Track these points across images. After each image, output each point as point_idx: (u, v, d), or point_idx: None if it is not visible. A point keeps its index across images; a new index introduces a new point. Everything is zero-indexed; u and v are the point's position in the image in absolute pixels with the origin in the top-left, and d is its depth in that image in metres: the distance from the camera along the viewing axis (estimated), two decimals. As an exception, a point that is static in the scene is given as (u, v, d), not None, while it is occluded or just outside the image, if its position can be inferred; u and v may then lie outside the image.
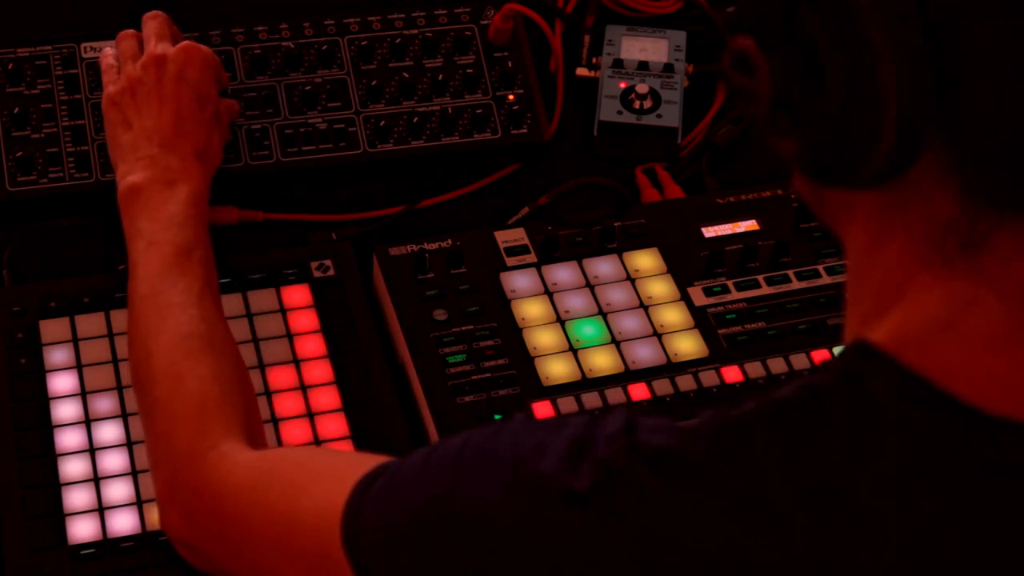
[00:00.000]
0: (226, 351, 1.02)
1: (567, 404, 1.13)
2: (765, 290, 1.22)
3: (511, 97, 1.33)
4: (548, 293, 1.20)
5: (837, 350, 0.72)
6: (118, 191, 1.11)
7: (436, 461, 0.75)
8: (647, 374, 1.15)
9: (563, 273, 1.21)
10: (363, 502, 0.77)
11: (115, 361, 1.13)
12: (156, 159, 1.11)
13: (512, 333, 1.17)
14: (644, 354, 1.16)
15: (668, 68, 1.39)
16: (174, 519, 0.95)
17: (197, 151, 1.13)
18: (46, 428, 1.08)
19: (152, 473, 0.98)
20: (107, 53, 1.22)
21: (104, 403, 1.10)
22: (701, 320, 1.19)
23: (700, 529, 0.66)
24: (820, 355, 1.18)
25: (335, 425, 1.11)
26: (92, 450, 1.08)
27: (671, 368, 1.16)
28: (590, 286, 1.21)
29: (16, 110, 1.23)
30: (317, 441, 1.11)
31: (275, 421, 1.11)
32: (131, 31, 1.21)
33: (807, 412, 0.67)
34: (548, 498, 0.69)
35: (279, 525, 0.86)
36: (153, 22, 1.20)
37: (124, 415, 1.10)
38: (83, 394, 1.11)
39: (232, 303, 1.16)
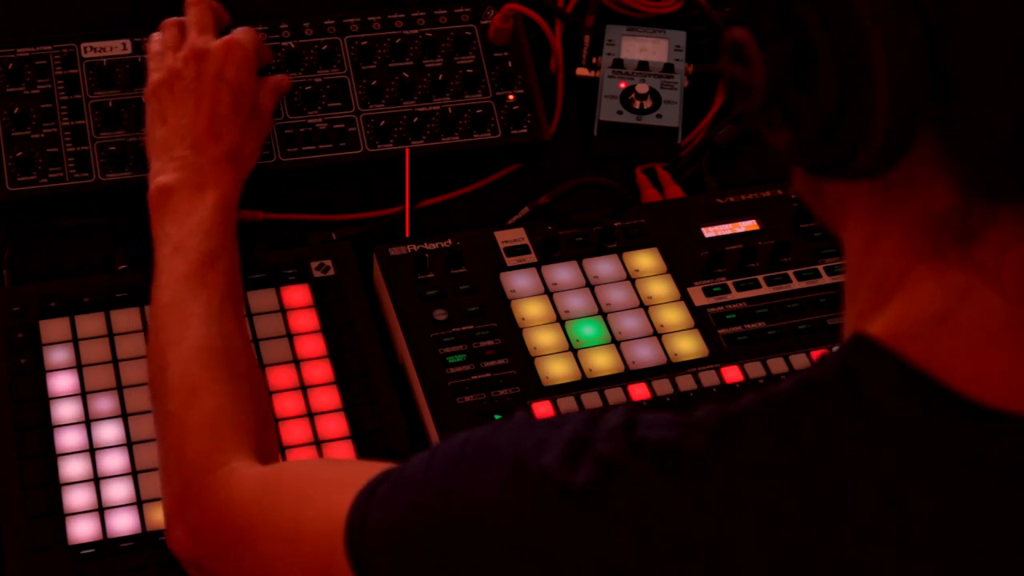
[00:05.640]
0: (243, 367, 1.02)
1: (567, 404, 1.13)
2: (765, 290, 1.22)
3: (511, 97, 1.33)
4: (548, 293, 1.20)
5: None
6: (149, 190, 1.11)
7: (438, 462, 0.75)
8: (647, 374, 1.15)
9: (563, 273, 1.21)
10: (367, 508, 0.77)
11: (115, 361, 1.13)
12: (187, 161, 1.10)
13: (512, 333, 1.17)
14: (644, 354, 1.16)
15: (668, 68, 1.39)
16: (180, 535, 0.94)
17: (229, 154, 1.12)
18: (46, 428, 1.08)
19: (162, 486, 0.98)
20: (154, 39, 1.20)
21: (104, 403, 1.10)
22: (701, 320, 1.19)
23: (699, 525, 0.66)
24: (820, 355, 1.18)
25: (335, 425, 1.11)
26: (92, 450, 1.08)
27: (671, 368, 1.16)
28: (590, 286, 1.21)
29: (16, 110, 1.23)
30: (317, 441, 1.11)
31: (275, 421, 1.11)
32: (175, 19, 1.19)
33: (806, 407, 0.67)
34: (548, 495, 0.69)
35: (283, 536, 0.85)
36: (195, 8, 1.19)
37: (124, 415, 1.10)
38: (83, 394, 1.11)
39: (232, 303, 1.16)
